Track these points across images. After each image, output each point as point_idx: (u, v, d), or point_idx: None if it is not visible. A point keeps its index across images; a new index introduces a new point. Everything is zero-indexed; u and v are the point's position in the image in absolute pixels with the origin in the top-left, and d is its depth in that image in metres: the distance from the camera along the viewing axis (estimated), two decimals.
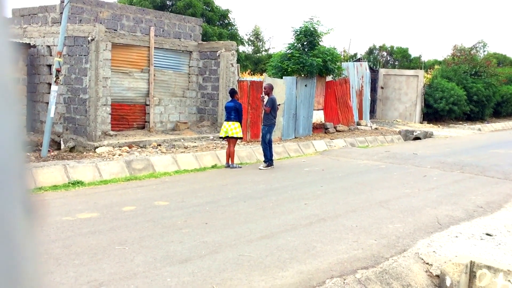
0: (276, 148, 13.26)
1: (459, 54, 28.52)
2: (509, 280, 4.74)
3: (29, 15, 14.52)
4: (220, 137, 11.30)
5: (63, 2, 11.80)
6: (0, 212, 0.48)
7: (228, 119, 10.87)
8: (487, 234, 6.06)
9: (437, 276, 4.99)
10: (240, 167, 10.97)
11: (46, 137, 11.01)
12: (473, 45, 31.01)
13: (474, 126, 24.45)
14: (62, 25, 11.17)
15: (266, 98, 11.40)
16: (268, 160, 11.01)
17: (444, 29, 79.22)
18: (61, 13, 11.92)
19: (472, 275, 5.01)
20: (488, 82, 26.14)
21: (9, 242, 0.48)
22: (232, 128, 10.75)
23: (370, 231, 6.08)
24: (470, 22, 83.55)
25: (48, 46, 13.53)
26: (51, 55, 13.34)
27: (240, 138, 11.14)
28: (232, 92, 11.13)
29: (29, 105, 13.55)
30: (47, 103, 11.76)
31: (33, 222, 0.52)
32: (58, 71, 11.10)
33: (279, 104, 11.91)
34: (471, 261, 5.03)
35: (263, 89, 11.64)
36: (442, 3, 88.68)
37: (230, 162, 10.89)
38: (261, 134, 11.44)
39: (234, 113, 10.79)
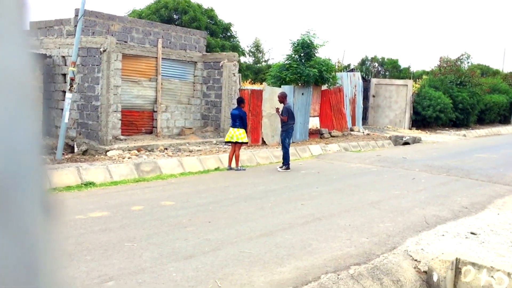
0: (275, 152, 13.26)
1: (445, 65, 28.50)
2: (492, 276, 4.73)
3: (46, 27, 14.55)
4: (225, 142, 11.42)
5: (77, 15, 11.81)
6: (19, 211, 0.48)
7: (233, 125, 10.92)
8: (472, 233, 6.05)
9: (425, 272, 4.98)
10: (244, 169, 10.98)
11: (60, 141, 11.01)
12: (458, 57, 30.86)
13: (459, 132, 24.39)
14: (76, 37, 11.20)
15: (281, 106, 11.22)
16: (286, 163, 11.04)
17: (431, 41, 79.32)
18: (75, 26, 11.93)
19: (457, 271, 5.00)
20: (472, 91, 26.13)
21: (28, 239, 0.48)
22: (237, 134, 10.80)
23: (362, 229, 6.07)
24: (455, 35, 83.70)
25: (63, 57, 13.54)
26: (65, 65, 13.34)
27: (246, 143, 11.25)
28: (240, 101, 11.17)
29: (45, 111, 13.56)
30: (62, 109, 11.76)
31: (52, 221, 0.52)
32: (72, 79, 11.12)
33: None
34: (456, 258, 5.02)
35: (278, 98, 11.43)
36: (430, 18, 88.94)
37: (235, 165, 10.91)
38: (280, 139, 11.38)
39: (239, 120, 10.84)
